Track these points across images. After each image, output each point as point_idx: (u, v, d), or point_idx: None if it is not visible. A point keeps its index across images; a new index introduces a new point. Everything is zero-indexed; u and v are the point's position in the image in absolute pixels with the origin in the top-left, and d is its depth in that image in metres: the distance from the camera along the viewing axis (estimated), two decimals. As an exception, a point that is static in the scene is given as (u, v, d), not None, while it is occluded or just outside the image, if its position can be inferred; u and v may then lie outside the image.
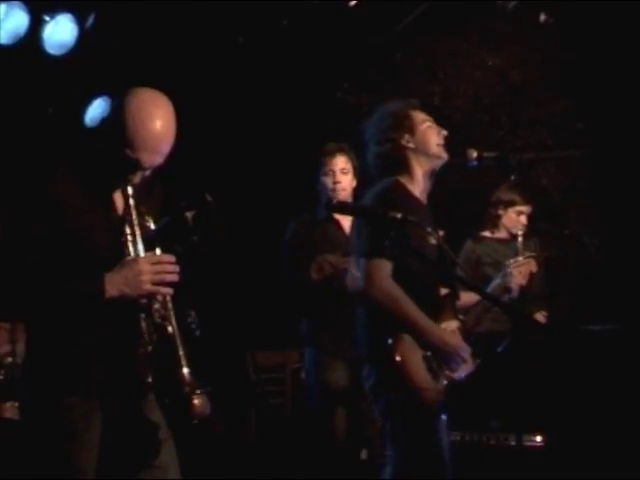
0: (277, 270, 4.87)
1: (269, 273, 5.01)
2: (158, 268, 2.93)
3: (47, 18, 5.37)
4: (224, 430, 5.67)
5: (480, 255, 5.90)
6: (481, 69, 6.94)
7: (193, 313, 4.09)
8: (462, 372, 3.87)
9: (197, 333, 4.15)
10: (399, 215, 3.47)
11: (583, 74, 6.68)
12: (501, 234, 5.97)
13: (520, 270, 4.72)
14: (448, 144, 4.17)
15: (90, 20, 5.51)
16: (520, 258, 5.19)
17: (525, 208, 5.87)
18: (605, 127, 6.62)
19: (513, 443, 4.87)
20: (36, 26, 5.35)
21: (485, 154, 4.03)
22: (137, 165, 2.93)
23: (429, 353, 3.71)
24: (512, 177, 5.70)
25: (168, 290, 2.95)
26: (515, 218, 5.87)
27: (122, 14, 5.54)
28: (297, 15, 6.26)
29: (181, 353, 2.92)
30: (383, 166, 3.99)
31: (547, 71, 6.82)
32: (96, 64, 5.57)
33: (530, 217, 5.88)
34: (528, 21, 6.77)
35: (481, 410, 5.01)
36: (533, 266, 5.12)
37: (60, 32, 5.44)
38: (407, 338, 3.67)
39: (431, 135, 3.97)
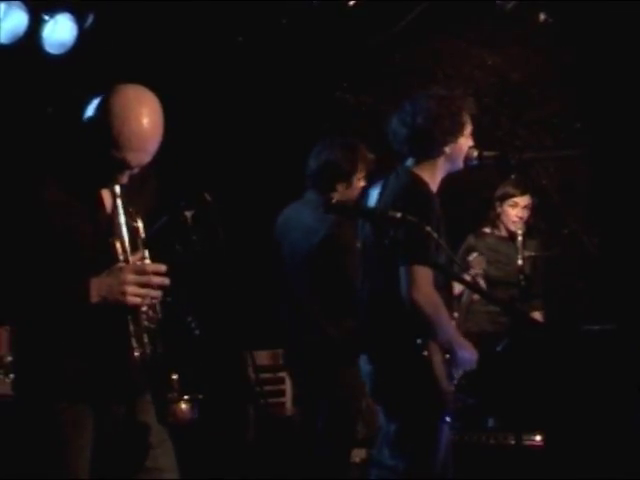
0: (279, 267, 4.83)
1: (268, 272, 5.00)
2: (143, 279, 2.86)
3: (46, 17, 5.37)
4: (223, 430, 5.67)
5: (481, 252, 5.89)
6: (481, 69, 6.94)
7: (192, 313, 4.09)
8: (457, 374, 3.96)
9: (197, 332, 4.14)
10: (398, 214, 3.50)
11: (582, 74, 6.68)
12: (501, 232, 5.97)
13: (479, 266, 5.01)
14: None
15: (89, 19, 5.50)
16: (475, 254, 5.42)
17: (520, 199, 5.83)
18: (604, 127, 6.63)
19: (512, 442, 4.87)
20: (35, 25, 5.34)
21: (485, 153, 4.04)
22: (123, 165, 2.87)
23: (447, 356, 3.82)
24: (512, 176, 5.76)
25: (151, 300, 2.90)
26: (511, 211, 5.84)
27: (121, 13, 5.54)
28: (296, 14, 6.26)
29: (170, 358, 2.90)
30: (410, 149, 3.98)
31: (546, 71, 6.82)
32: (95, 63, 5.56)
33: (529, 209, 5.85)
34: (527, 21, 6.77)
35: (480, 410, 5.01)
36: (483, 263, 5.39)
37: (59, 31, 5.44)
38: (432, 342, 3.78)
39: (465, 149, 3.99)
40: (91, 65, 5.58)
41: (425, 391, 3.78)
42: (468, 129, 4.00)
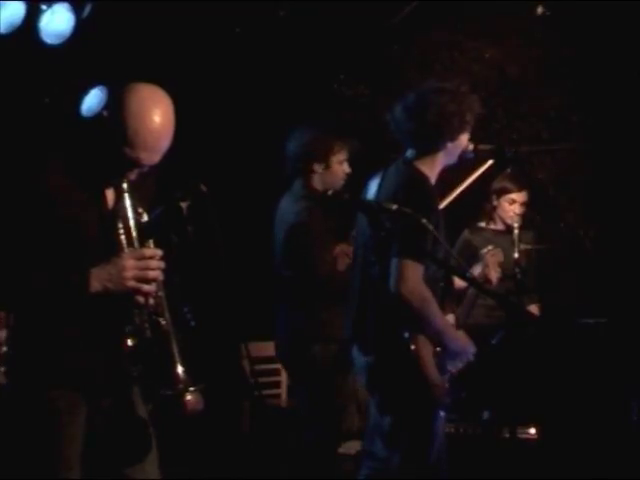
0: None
1: (263, 262, 5.01)
2: (141, 264, 2.91)
3: (44, 7, 5.35)
4: (218, 422, 5.67)
5: (477, 246, 5.92)
6: (478, 62, 6.93)
7: (188, 304, 4.09)
8: (454, 368, 3.97)
9: (193, 324, 4.16)
10: (394, 207, 3.52)
11: (579, 67, 6.68)
12: (497, 226, 5.98)
13: (494, 259, 4.85)
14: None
15: (87, 9, 5.48)
16: (490, 247, 5.28)
17: (517, 196, 5.84)
18: (600, 121, 6.62)
19: (507, 435, 4.88)
20: (33, 15, 5.32)
21: (481, 146, 4.04)
22: (136, 163, 2.92)
23: (438, 349, 3.83)
24: (508, 170, 5.76)
25: (151, 287, 2.93)
26: (508, 207, 5.84)
27: (119, 3, 5.53)
28: (294, 6, 6.25)
29: (175, 350, 2.92)
30: (414, 142, 3.99)
31: (543, 64, 6.82)
32: (93, 53, 5.55)
33: (526, 205, 5.86)
34: (525, 14, 6.77)
35: (475, 402, 5.02)
36: (500, 256, 5.22)
37: (57, 21, 5.41)
38: (421, 335, 3.78)
39: (463, 145, 4.01)
40: (88, 55, 5.57)
41: (414, 386, 3.78)
42: (469, 127, 4.01)
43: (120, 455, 3.04)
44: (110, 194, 3.01)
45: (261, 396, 5.08)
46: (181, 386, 2.92)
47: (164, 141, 2.92)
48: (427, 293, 3.76)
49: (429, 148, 3.96)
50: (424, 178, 3.90)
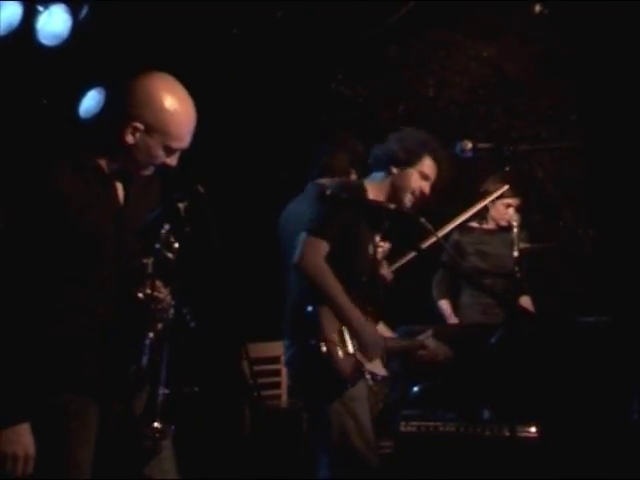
0: (273, 259, 4.83)
1: (262, 263, 5.00)
2: None
3: (41, 9, 5.35)
4: (218, 423, 5.67)
5: (465, 246, 5.98)
6: (476, 61, 6.94)
7: (187, 306, 4.10)
8: (376, 370, 3.98)
9: (192, 325, 4.16)
10: (392, 206, 3.56)
11: (577, 66, 6.69)
12: (489, 225, 6.03)
13: (437, 346, 4.67)
14: (442, 135, 4.28)
15: (84, 11, 5.49)
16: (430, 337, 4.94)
17: (513, 201, 5.89)
18: (599, 119, 6.63)
19: (507, 434, 4.87)
20: (30, 17, 5.32)
21: (480, 145, 4.06)
22: (172, 153, 3.07)
23: (344, 328, 3.91)
24: (506, 168, 5.76)
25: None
26: (503, 210, 5.91)
27: (116, 4, 5.52)
28: (292, 7, 6.25)
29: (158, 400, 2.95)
30: (375, 163, 4.26)
31: (542, 63, 6.83)
32: (90, 55, 5.55)
33: (518, 209, 5.90)
34: (523, 13, 6.77)
35: (475, 401, 5.02)
36: (438, 356, 4.88)
37: (54, 23, 5.42)
38: (325, 309, 3.90)
39: (412, 184, 4.12)
40: (86, 56, 5.57)
41: (322, 376, 3.88)
42: (424, 167, 4.16)
43: (134, 455, 3.03)
44: (120, 191, 3.04)
45: (261, 397, 5.07)
46: (150, 443, 2.95)
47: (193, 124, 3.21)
48: (325, 267, 3.89)
49: (381, 168, 4.20)
50: (360, 187, 4.12)
